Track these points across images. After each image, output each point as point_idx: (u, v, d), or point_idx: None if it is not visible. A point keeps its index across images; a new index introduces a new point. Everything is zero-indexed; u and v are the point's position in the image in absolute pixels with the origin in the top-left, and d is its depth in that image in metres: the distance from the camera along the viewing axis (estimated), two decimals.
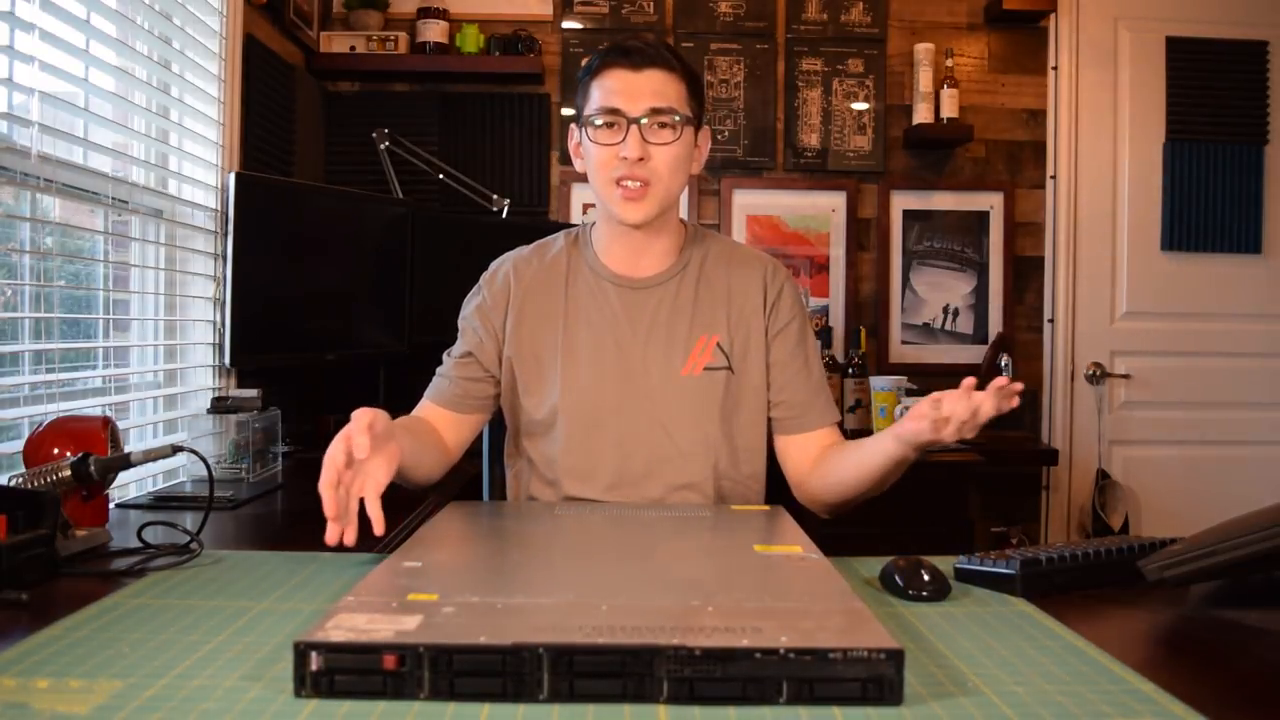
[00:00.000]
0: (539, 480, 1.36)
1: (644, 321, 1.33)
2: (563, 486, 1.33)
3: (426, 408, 1.35)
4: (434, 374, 1.37)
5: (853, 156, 2.95)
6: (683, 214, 1.50)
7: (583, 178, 1.34)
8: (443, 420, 1.34)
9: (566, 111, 2.88)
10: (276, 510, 1.60)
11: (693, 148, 1.30)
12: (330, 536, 0.95)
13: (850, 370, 2.72)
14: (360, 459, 0.97)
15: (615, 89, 1.24)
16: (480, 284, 1.40)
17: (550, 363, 1.33)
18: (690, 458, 1.31)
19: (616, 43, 1.27)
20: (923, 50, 2.86)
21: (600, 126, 1.25)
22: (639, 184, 1.24)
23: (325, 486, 0.95)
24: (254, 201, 2.04)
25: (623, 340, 1.32)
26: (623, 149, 1.23)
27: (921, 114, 2.86)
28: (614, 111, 1.23)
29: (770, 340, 1.35)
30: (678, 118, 1.24)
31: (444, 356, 1.38)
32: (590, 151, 1.27)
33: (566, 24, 2.90)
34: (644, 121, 1.23)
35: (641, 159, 1.23)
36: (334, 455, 0.97)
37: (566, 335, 1.33)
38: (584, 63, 1.31)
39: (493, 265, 1.41)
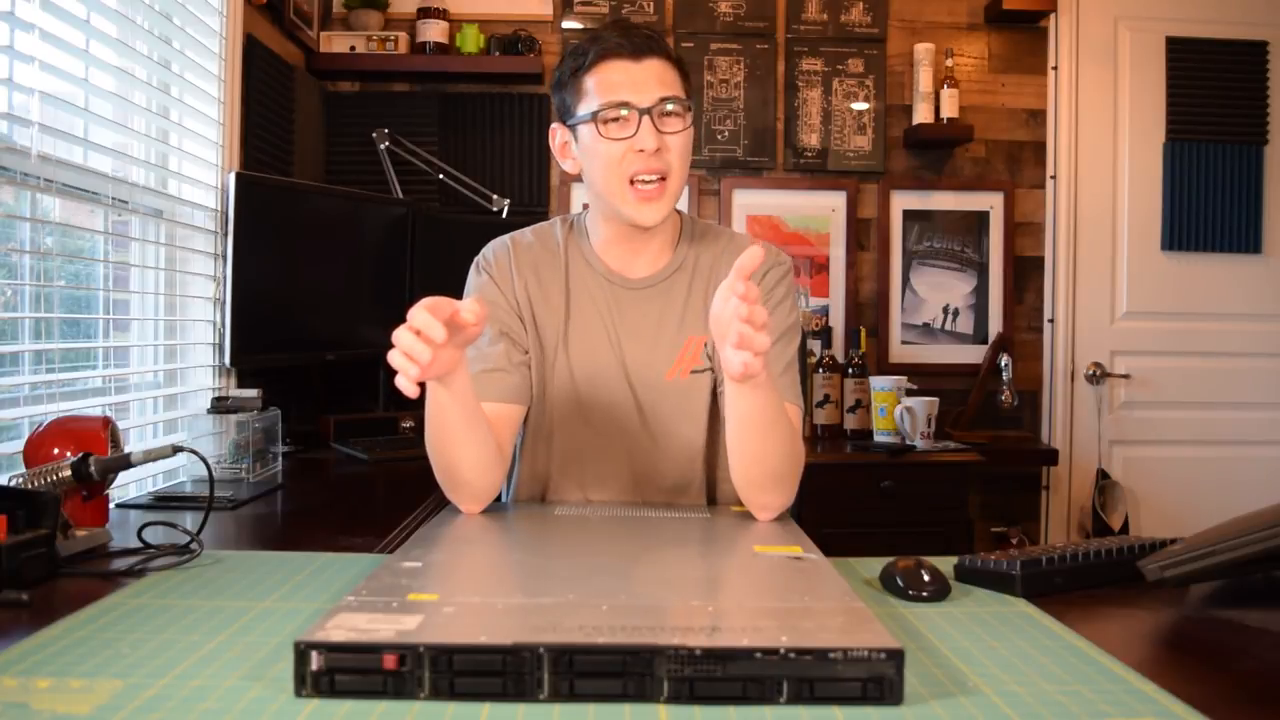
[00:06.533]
0: (528, 483, 1.34)
1: (635, 324, 1.30)
2: (553, 490, 1.32)
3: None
4: None
5: (853, 156, 2.95)
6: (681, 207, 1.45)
7: (581, 177, 1.29)
8: (501, 420, 1.23)
9: None
10: (276, 510, 1.60)
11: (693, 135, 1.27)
12: (405, 386, 0.94)
13: (850, 370, 2.72)
14: (466, 325, 0.96)
15: (620, 81, 1.19)
16: (479, 266, 1.33)
17: (550, 358, 1.30)
18: (678, 462, 1.30)
19: (609, 33, 1.21)
20: (923, 50, 2.86)
21: (608, 121, 1.19)
22: (656, 179, 1.20)
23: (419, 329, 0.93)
24: (254, 201, 2.04)
25: (615, 341, 1.29)
26: (637, 141, 1.18)
27: (921, 114, 2.86)
28: (623, 104, 1.18)
29: None
30: (684, 104, 1.21)
31: None
32: (597, 150, 1.21)
33: (566, 24, 2.90)
34: (654, 111, 1.19)
35: (659, 150, 1.19)
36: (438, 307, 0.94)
37: (568, 330, 1.30)
38: (567, 58, 1.24)
39: (487, 249, 1.34)
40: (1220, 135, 2.95)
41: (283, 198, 2.18)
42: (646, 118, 1.18)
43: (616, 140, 1.20)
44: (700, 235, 1.35)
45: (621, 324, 1.30)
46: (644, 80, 1.19)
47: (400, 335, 0.94)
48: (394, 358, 0.94)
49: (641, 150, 1.19)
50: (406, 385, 0.94)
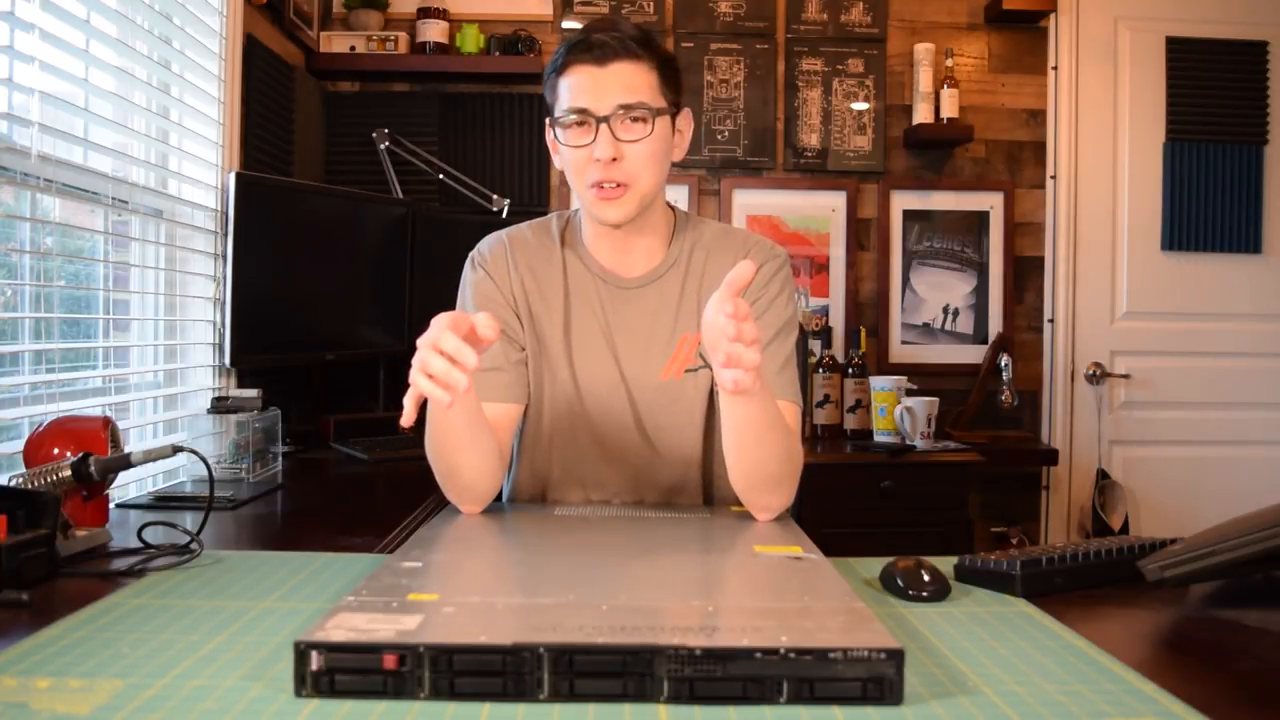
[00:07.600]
0: (528, 483, 1.34)
1: (629, 324, 1.29)
2: (553, 490, 1.32)
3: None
4: None
5: (853, 156, 2.95)
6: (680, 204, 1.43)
7: None
8: (500, 420, 1.23)
9: None
10: (276, 510, 1.60)
11: (670, 137, 1.24)
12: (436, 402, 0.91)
13: (850, 370, 2.72)
14: (486, 339, 0.93)
15: (581, 87, 1.18)
16: (475, 262, 1.32)
17: (546, 357, 1.29)
18: (675, 463, 1.29)
19: (580, 37, 1.20)
20: (923, 50, 2.86)
21: (570, 127, 1.20)
22: (615, 185, 1.19)
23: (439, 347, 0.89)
24: (254, 201, 2.04)
25: (610, 341, 1.29)
26: (594, 150, 1.18)
27: (921, 114, 2.86)
28: (581, 111, 1.18)
29: None
30: (649, 111, 1.18)
31: None
32: (564, 154, 1.22)
33: (566, 24, 2.90)
34: (612, 119, 1.17)
35: (615, 159, 1.17)
36: (456, 320, 0.91)
37: (568, 330, 1.29)
38: (552, 57, 1.25)
39: (483, 244, 1.34)
40: (1220, 135, 2.95)
41: (283, 198, 2.18)
42: (604, 126, 1.18)
43: (576, 147, 1.20)
44: (694, 231, 1.33)
45: (616, 323, 1.29)
46: (606, 87, 1.18)
47: (431, 360, 0.89)
48: (423, 384, 0.90)
49: (598, 159, 1.18)
50: (441, 409, 0.91)
